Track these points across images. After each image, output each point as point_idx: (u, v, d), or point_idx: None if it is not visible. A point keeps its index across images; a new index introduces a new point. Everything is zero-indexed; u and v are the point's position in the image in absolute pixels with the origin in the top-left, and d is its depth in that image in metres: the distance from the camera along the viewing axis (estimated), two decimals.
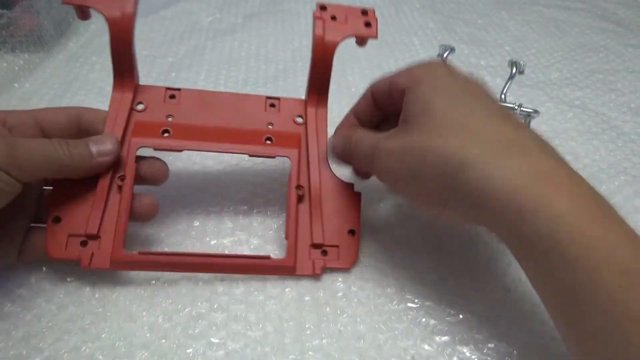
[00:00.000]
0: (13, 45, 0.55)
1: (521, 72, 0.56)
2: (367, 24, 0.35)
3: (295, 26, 0.66)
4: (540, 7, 0.77)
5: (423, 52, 0.63)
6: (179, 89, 0.36)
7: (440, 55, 0.55)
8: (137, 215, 0.32)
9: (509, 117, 0.28)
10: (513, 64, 0.52)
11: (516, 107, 0.46)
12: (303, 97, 0.38)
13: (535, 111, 0.46)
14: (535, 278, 0.25)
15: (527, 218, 0.23)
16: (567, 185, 0.24)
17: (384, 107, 0.34)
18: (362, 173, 0.36)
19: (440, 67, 0.30)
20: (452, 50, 0.55)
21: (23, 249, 0.31)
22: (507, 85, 0.49)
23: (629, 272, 0.21)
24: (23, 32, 0.55)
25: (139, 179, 0.33)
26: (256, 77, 0.55)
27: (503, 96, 0.49)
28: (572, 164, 0.44)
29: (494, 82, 0.57)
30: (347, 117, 0.36)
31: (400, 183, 0.30)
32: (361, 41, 0.36)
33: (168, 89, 0.35)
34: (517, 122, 0.28)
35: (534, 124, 0.49)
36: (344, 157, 0.35)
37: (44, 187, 0.33)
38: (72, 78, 0.53)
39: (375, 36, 0.35)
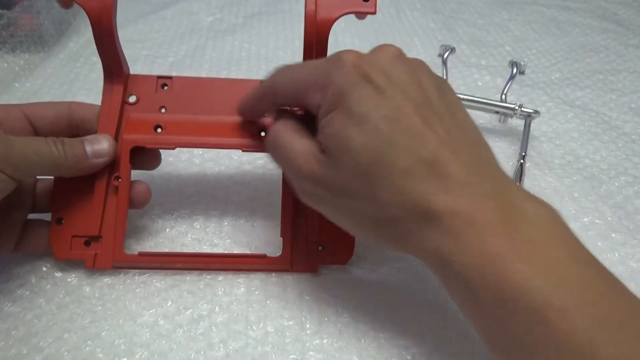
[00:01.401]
0: (13, 45, 0.55)
1: (522, 73, 0.56)
2: None
3: (296, 26, 0.66)
4: (541, 7, 0.77)
5: (424, 52, 0.63)
6: (170, 77, 0.35)
7: (441, 55, 0.55)
8: (131, 203, 0.33)
9: (429, 146, 0.23)
10: (514, 64, 0.53)
11: (517, 108, 0.46)
12: None
13: (536, 112, 0.46)
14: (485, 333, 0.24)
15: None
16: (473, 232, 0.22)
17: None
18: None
19: (351, 78, 0.24)
20: (452, 50, 0.55)
21: (21, 241, 0.31)
22: (507, 86, 0.49)
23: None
24: (23, 32, 0.55)
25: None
26: (257, 77, 0.55)
27: (504, 96, 0.49)
28: (573, 164, 0.45)
29: (495, 82, 0.56)
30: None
31: (318, 206, 0.27)
32: (359, 16, 0.33)
33: (160, 77, 0.35)
34: (460, 141, 0.25)
35: (535, 124, 0.49)
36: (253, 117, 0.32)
37: (38, 177, 0.33)
38: (73, 78, 0.53)
39: (374, 11, 0.32)
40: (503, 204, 0.23)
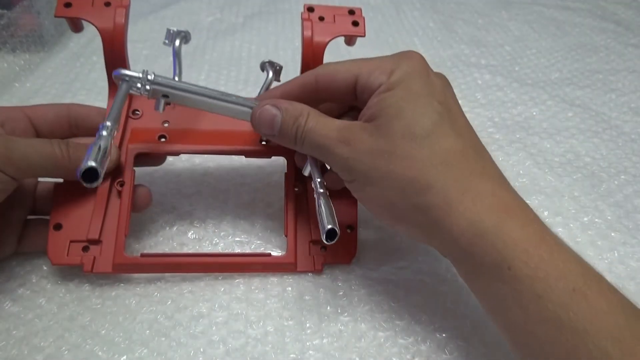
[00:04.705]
0: (14, 45, 0.55)
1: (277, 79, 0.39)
2: (355, 23, 0.35)
3: (296, 26, 0.66)
4: (541, 7, 0.77)
5: (424, 51, 0.62)
6: None
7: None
8: (132, 207, 0.33)
9: (472, 135, 0.29)
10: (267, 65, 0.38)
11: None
12: None
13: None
14: (485, 299, 0.26)
15: (482, 243, 0.25)
16: (520, 214, 0.26)
17: (332, 97, 0.31)
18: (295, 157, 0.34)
19: (416, 68, 0.29)
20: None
21: (21, 240, 0.32)
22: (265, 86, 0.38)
23: (575, 290, 0.23)
24: (23, 32, 0.55)
25: None
26: (257, 77, 0.55)
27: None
28: (573, 162, 0.45)
29: (495, 81, 0.57)
30: (279, 88, 0.32)
31: (360, 185, 0.28)
32: (349, 40, 0.36)
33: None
34: (480, 144, 0.29)
35: (535, 121, 0.49)
36: (281, 134, 0.30)
37: (39, 180, 0.34)
38: (73, 78, 0.53)
39: (363, 34, 0.35)
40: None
